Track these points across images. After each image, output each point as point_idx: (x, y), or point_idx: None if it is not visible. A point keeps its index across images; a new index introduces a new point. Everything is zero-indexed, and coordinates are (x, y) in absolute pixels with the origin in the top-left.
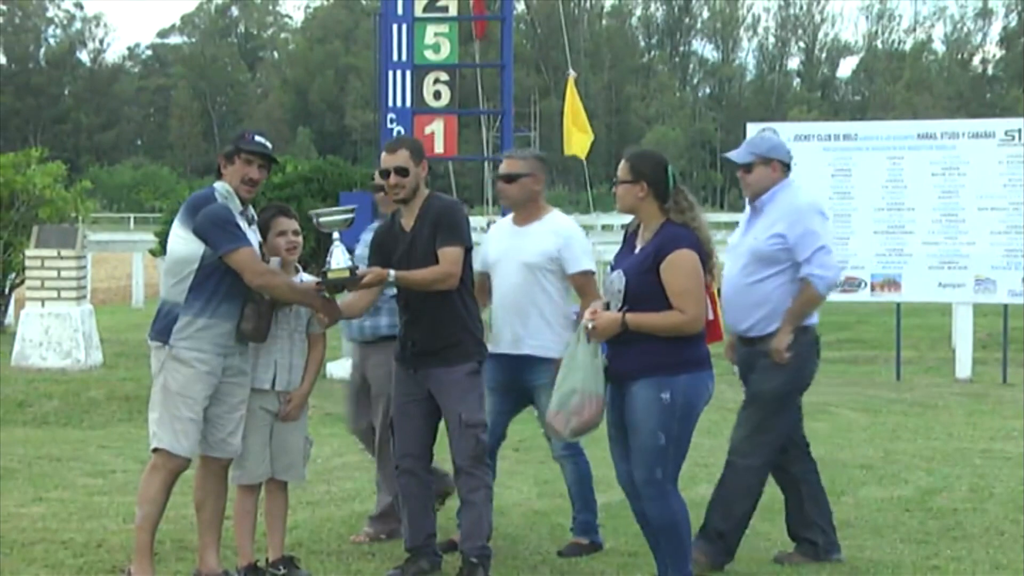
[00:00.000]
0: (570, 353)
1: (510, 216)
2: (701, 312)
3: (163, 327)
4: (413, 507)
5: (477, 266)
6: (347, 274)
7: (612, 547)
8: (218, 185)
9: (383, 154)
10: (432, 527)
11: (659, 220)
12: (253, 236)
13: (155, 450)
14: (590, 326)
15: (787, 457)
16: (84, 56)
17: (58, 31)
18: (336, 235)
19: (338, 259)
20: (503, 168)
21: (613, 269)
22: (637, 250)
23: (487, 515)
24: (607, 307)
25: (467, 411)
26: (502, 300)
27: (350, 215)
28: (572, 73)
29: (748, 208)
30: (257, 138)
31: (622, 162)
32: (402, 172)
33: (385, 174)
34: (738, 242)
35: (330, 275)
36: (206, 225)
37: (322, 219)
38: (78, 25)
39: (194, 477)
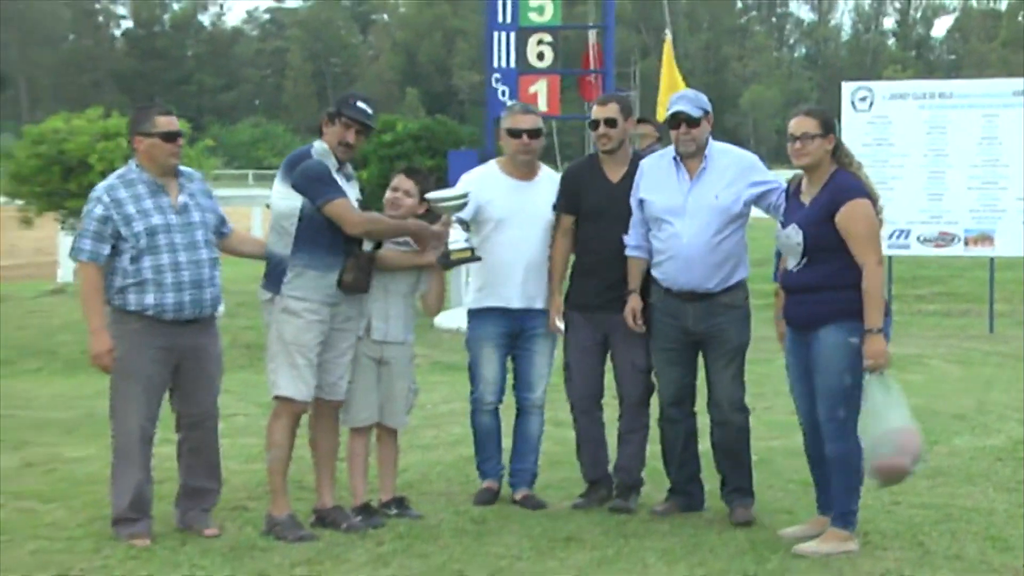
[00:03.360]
0: (869, 399)
1: (496, 168)
2: (880, 256)
3: (273, 278)
4: (592, 444)
5: (465, 216)
6: (468, 254)
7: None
8: (316, 144)
9: (595, 106)
10: (607, 459)
11: (829, 170)
12: (352, 191)
13: (276, 397)
14: (869, 363)
15: (684, 411)
16: (206, 20)
17: None
18: (454, 216)
19: (456, 238)
20: (600, 113)
21: (784, 225)
22: (807, 203)
23: (642, 451)
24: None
25: (639, 358)
26: (525, 256)
27: (464, 199)
28: (668, 35)
29: (676, 165)
30: (360, 104)
31: (803, 119)
32: (611, 123)
33: (595, 124)
34: (684, 202)
35: (453, 256)
36: (302, 180)
37: (438, 204)
38: None
39: (308, 418)
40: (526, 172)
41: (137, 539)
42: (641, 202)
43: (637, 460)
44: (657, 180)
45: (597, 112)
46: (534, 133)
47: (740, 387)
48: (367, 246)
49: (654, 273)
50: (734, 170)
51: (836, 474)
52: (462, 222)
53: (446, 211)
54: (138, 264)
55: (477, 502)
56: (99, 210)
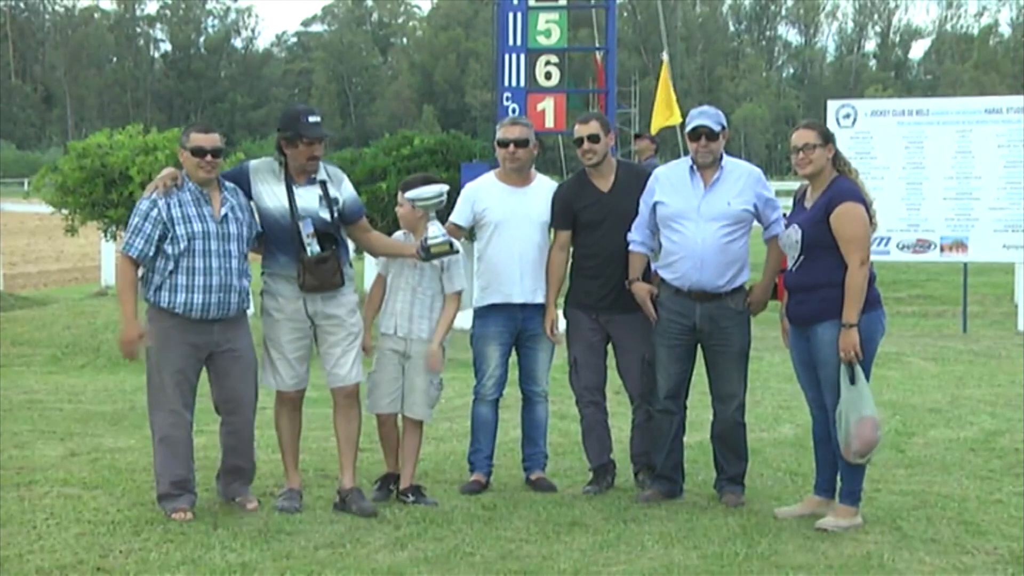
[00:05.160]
0: (842, 387)
1: (492, 177)
2: (865, 256)
3: None
4: (599, 432)
5: (461, 222)
6: (447, 248)
7: (700, 482)
8: (253, 162)
9: (576, 125)
10: (611, 446)
11: (830, 177)
12: (311, 194)
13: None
14: (840, 355)
15: (679, 404)
16: (238, 43)
17: (216, 21)
18: (432, 213)
19: (434, 233)
20: (583, 131)
21: (788, 225)
22: (809, 206)
23: (649, 437)
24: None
25: (649, 352)
26: (520, 255)
27: (440, 197)
28: (665, 57)
29: (692, 173)
30: (311, 119)
31: (804, 131)
32: (594, 139)
33: (579, 142)
34: (699, 206)
35: (433, 249)
36: None
37: (417, 203)
38: (233, 16)
39: None
40: (519, 179)
41: (178, 513)
42: (656, 204)
43: (646, 445)
44: (673, 185)
45: (580, 130)
46: (521, 143)
47: (744, 387)
48: (309, 251)
49: (662, 274)
50: (744, 181)
51: (843, 457)
52: (460, 228)
53: (425, 208)
54: (175, 265)
55: (463, 491)
56: (144, 206)
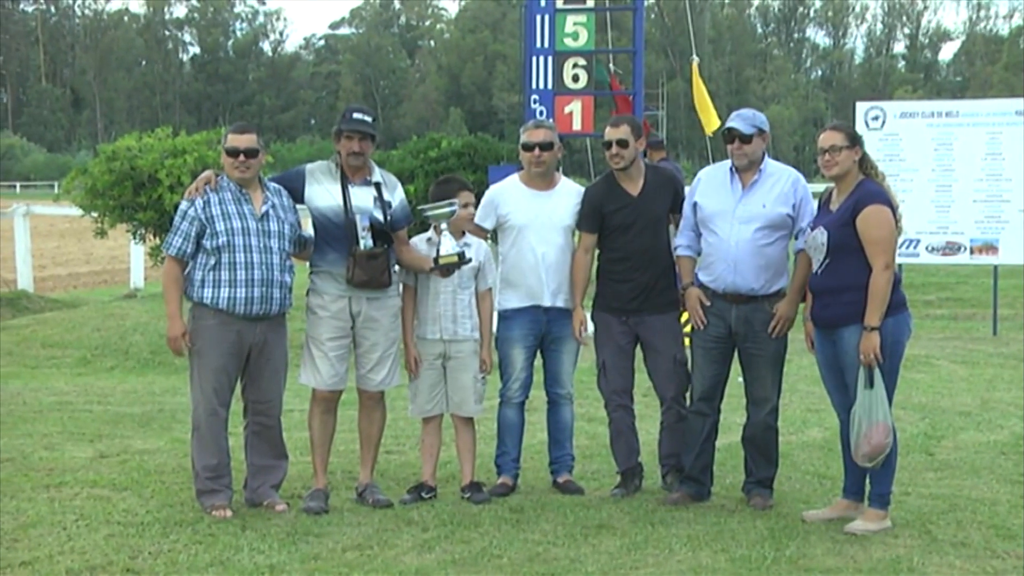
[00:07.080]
0: (858, 390)
1: (516, 180)
2: (890, 260)
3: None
4: (627, 435)
5: (484, 224)
6: (455, 259)
7: (730, 483)
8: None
9: (607, 128)
10: (639, 449)
11: (856, 180)
12: (366, 195)
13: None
14: (862, 359)
15: (712, 406)
16: (266, 46)
17: (244, 24)
18: (444, 224)
19: (446, 246)
20: (613, 135)
21: (813, 228)
22: (835, 209)
23: (679, 439)
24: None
25: (679, 352)
26: (543, 258)
27: (452, 207)
28: (695, 59)
29: (731, 175)
30: (356, 115)
31: (831, 133)
32: (623, 144)
33: (608, 145)
34: (734, 208)
35: (441, 261)
36: None
37: (428, 213)
38: (261, 19)
39: None
40: (542, 183)
41: (218, 510)
42: (695, 205)
43: (676, 447)
44: (713, 187)
45: (610, 134)
46: (545, 146)
47: (778, 392)
48: (363, 244)
49: (700, 276)
50: (783, 185)
51: (852, 458)
52: (483, 230)
53: (438, 219)
54: (216, 261)
55: (490, 493)
56: (182, 206)
